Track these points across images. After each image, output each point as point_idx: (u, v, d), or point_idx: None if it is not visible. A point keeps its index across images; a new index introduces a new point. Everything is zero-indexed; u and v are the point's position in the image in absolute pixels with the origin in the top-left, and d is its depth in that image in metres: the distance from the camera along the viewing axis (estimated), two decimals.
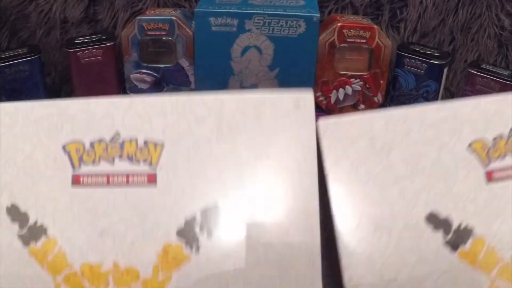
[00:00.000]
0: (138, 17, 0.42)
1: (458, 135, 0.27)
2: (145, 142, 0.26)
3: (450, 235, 0.26)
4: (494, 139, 0.28)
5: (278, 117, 0.26)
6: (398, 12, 0.47)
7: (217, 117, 0.26)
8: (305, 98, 0.26)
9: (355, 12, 0.48)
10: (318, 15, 0.39)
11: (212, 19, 0.39)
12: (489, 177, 0.27)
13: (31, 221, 0.26)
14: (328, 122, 0.27)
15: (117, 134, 0.26)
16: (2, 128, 0.27)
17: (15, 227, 0.27)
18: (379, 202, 0.26)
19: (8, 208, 0.27)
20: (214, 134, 0.26)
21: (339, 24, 0.41)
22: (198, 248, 0.25)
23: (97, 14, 0.48)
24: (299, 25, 0.39)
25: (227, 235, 0.25)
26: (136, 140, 0.26)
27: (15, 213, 0.27)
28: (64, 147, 0.26)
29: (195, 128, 0.26)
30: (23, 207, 0.27)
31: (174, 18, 0.41)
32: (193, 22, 0.42)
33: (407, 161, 0.26)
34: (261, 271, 0.25)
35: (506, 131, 0.28)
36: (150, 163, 0.26)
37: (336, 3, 0.47)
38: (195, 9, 0.40)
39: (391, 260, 0.26)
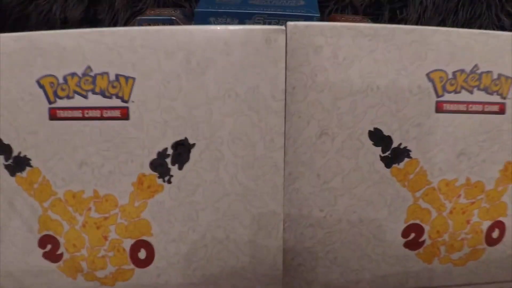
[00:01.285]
0: (138, 17, 0.41)
1: (421, 62, 0.27)
2: (116, 76, 0.26)
3: (388, 153, 0.28)
4: (454, 72, 0.28)
5: (248, 52, 0.26)
6: (398, 12, 0.46)
7: (186, 52, 0.26)
8: (277, 33, 0.26)
9: (355, 12, 0.46)
10: (318, 15, 0.38)
11: (212, 19, 0.37)
12: (439, 107, 0.28)
13: (15, 153, 0.28)
14: (297, 26, 0.26)
15: (89, 68, 0.26)
16: None
17: (1, 158, 0.28)
18: (330, 110, 0.27)
19: None
20: (183, 69, 0.26)
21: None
22: (170, 179, 0.27)
23: (97, 14, 0.47)
24: None
25: (197, 167, 0.27)
26: (108, 74, 0.26)
27: None
28: (38, 81, 0.27)
29: (164, 63, 0.26)
30: (5, 140, 0.28)
31: (174, 18, 0.40)
32: (193, 22, 0.40)
33: (364, 77, 0.27)
34: (228, 201, 0.27)
35: (468, 68, 0.28)
36: (122, 98, 0.26)
37: (336, 3, 0.46)
38: (195, 9, 0.39)
39: (329, 164, 0.28)
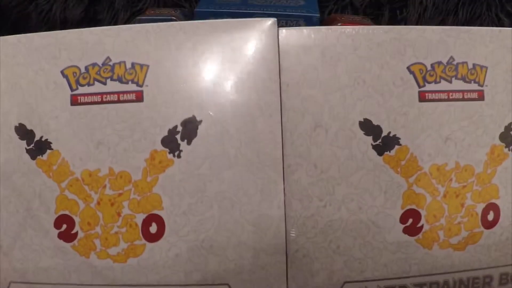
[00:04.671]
0: (138, 17, 0.42)
1: (401, 56, 0.31)
2: (132, 64, 0.30)
3: (378, 141, 0.31)
4: (432, 64, 0.32)
5: (246, 41, 0.30)
6: (398, 12, 0.48)
7: (193, 42, 0.30)
8: (269, 23, 0.30)
9: (355, 12, 0.48)
10: (318, 15, 0.39)
11: (212, 19, 0.38)
12: (422, 96, 0.31)
13: (37, 137, 0.31)
14: (288, 31, 0.30)
15: (108, 59, 0.30)
16: (6, 58, 0.31)
17: (23, 143, 0.31)
18: (322, 104, 0.30)
19: (16, 127, 0.31)
20: (191, 57, 0.30)
21: (339, 24, 0.42)
22: (179, 154, 0.30)
23: (97, 14, 0.48)
24: (299, 25, 0.39)
25: (204, 142, 0.30)
26: (125, 63, 0.30)
27: (23, 131, 0.31)
28: (62, 72, 0.30)
29: (174, 52, 0.30)
30: (29, 126, 0.31)
31: (174, 18, 0.41)
32: None
33: (351, 72, 0.30)
34: (233, 172, 0.30)
35: (445, 60, 0.32)
36: (137, 83, 0.30)
37: (336, 3, 0.48)
38: (195, 9, 0.40)
39: (325, 154, 0.30)
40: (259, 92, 0.30)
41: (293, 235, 0.30)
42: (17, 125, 0.31)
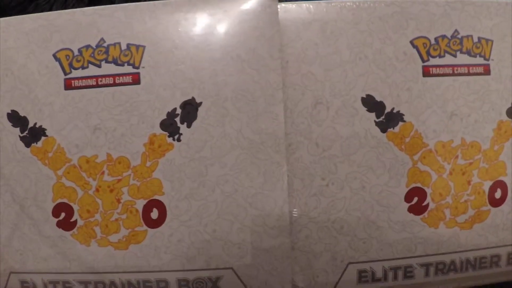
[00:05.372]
0: None
1: (403, 30, 0.30)
2: (128, 46, 0.29)
3: (382, 118, 0.30)
4: (436, 38, 0.31)
5: (246, 18, 0.29)
6: None
7: (190, 20, 0.29)
8: (271, 2, 0.29)
9: None
10: None
11: None
12: (426, 71, 0.31)
13: (30, 124, 0.30)
14: (287, 6, 0.29)
15: (102, 40, 0.29)
16: None
17: (17, 130, 0.30)
18: (323, 81, 0.29)
19: (9, 114, 0.30)
20: (188, 36, 0.29)
21: None
22: (179, 137, 0.29)
23: None
24: None
25: (204, 125, 0.29)
26: (120, 44, 0.29)
27: (16, 118, 0.30)
28: (54, 55, 0.29)
29: (172, 31, 0.29)
30: (22, 112, 0.30)
31: None
32: None
33: (352, 47, 0.30)
34: (235, 155, 0.29)
35: (449, 33, 0.31)
36: (134, 64, 0.29)
37: None
38: None
39: (326, 132, 0.29)
40: (260, 71, 0.29)
41: (295, 215, 0.30)
42: (10, 112, 0.30)
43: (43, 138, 0.30)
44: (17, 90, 0.30)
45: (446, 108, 0.31)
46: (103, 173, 0.29)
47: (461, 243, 0.32)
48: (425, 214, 0.31)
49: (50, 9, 0.50)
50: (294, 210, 0.30)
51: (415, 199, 0.31)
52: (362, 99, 0.30)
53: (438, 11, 0.31)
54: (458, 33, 0.31)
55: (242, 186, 0.29)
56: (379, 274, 0.31)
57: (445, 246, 0.32)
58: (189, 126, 0.29)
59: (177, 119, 0.29)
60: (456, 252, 0.32)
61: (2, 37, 0.30)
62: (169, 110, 0.29)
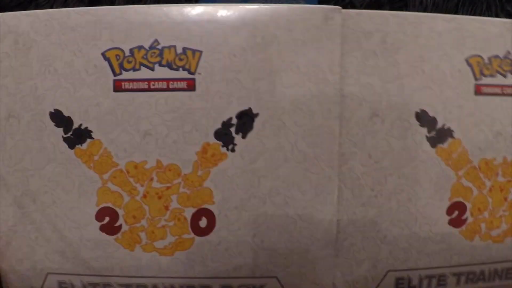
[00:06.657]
0: None
1: (460, 47, 0.30)
2: (184, 49, 0.27)
3: (433, 133, 0.30)
4: (489, 58, 0.31)
5: (308, 28, 0.28)
6: None
7: (251, 27, 0.28)
8: (334, 12, 0.28)
9: None
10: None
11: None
12: (478, 90, 0.31)
13: (75, 125, 0.28)
14: (350, 13, 0.29)
15: (156, 41, 0.27)
16: (38, 36, 0.28)
17: (60, 130, 0.29)
18: (380, 93, 0.29)
19: (52, 113, 0.28)
20: (248, 44, 0.28)
21: None
22: (233, 147, 0.28)
23: None
24: None
25: (260, 136, 0.28)
26: (175, 47, 0.27)
27: (59, 118, 0.28)
28: (104, 54, 0.28)
29: (230, 37, 0.28)
30: (66, 112, 0.28)
31: None
32: None
33: (410, 61, 0.29)
34: (288, 168, 0.29)
35: (502, 54, 0.31)
36: (189, 70, 0.28)
37: (336, 3, 0.46)
38: None
39: (380, 145, 0.30)
40: (318, 85, 0.28)
41: (343, 224, 0.30)
42: (53, 111, 0.28)
43: (88, 140, 0.28)
44: (60, 88, 0.28)
45: (493, 127, 0.31)
46: (151, 179, 0.29)
47: (492, 255, 0.33)
48: (463, 227, 0.32)
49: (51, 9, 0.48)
50: (342, 219, 0.30)
51: (456, 212, 0.32)
52: (416, 113, 0.30)
53: (494, 30, 0.30)
54: (510, 54, 0.31)
55: (293, 199, 0.29)
56: (414, 281, 0.32)
57: (477, 257, 0.33)
58: (244, 137, 0.28)
59: (232, 129, 0.28)
60: (486, 263, 0.33)
61: (44, 31, 0.28)
62: (224, 119, 0.28)
